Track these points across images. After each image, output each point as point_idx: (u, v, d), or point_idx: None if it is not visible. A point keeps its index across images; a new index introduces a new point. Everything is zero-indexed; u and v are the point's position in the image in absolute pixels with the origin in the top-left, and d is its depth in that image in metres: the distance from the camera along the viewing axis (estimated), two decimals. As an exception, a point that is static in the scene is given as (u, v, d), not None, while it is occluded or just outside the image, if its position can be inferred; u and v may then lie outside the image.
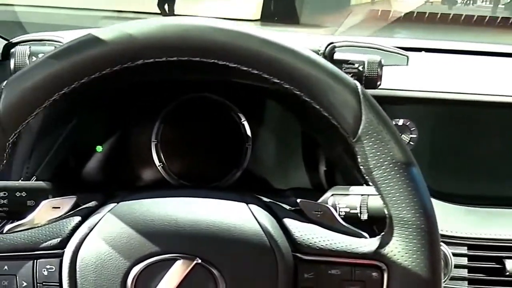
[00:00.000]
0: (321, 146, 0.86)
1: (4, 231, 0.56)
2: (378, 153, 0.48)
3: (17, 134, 0.49)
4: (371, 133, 0.48)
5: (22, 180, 0.75)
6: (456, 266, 0.76)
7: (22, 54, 0.72)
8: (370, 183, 0.49)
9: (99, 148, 0.87)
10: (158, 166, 0.85)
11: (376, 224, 0.65)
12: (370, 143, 0.48)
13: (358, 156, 0.49)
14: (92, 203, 0.58)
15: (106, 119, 0.87)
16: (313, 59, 0.49)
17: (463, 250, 0.78)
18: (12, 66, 0.73)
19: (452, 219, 0.81)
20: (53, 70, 0.47)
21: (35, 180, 0.76)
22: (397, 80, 0.86)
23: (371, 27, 1.91)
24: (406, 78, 0.88)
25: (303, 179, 0.92)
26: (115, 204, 0.54)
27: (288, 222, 0.54)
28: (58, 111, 0.75)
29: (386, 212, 0.49)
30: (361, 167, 0.49)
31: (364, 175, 0.49)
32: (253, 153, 0.87)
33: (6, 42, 0.90)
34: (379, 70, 0.74)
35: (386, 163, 0.48)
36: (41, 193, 0.67)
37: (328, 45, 0.74)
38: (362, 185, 0.72)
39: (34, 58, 0.72)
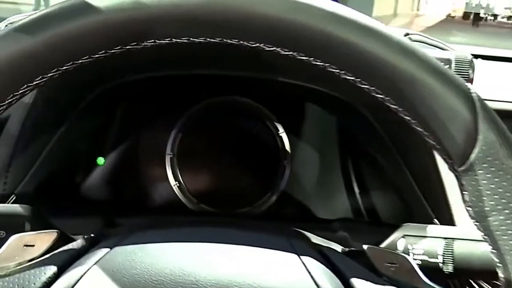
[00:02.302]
0: (379, 168, 0.68)
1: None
2: (500, 190, 0.32)
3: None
4: (490, 161, 0.32)
5: (-5, 200, 0.59)
6: None
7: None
8: (481, 231, 0.33)
9: (100, 161, 0.70)
10: (174, 185, 0.69)
11: (461, 278, 0.54)
12: (488, 175, 0.32)
13: (466, 192, 0.32)
14: (76, 243, 0.42)
15: (108, 124, 0.71)
16: (407, 46, 0.32)
17: None
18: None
19: None
20: (20, 49, 0.30)
21: (14, 200, 0.60)
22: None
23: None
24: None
25: (345, 205, 0.76)
26: (107, 250, 0.37)
27: (359, 285, 0.37)
28: (45, 111, 0.57)
29: (503, 276, 0.33)
30: (468, 208, 0.33)
31: (473, 219, 0.33)
32: (292, 173, 0.71)
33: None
34: (470, 71, 0.56)
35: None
36: (16, 220, 0.51)
37: (405, 35, 0.56)
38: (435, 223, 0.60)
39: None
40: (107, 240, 0.41)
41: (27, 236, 0.44)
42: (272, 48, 0.31)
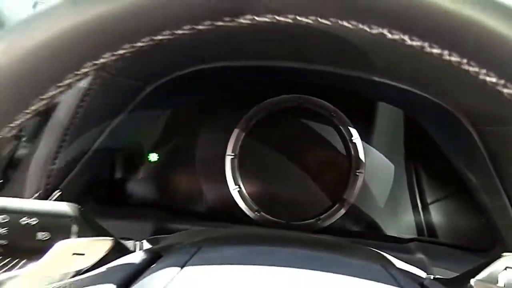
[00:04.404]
0: (466, 188, 0.61)
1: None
2: None
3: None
4: None
5: (39, 196, 0.52)
6: None
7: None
8: None
9: (153, 157, 0.64)
10: (233, 190, 0.62)
11: None
12: None
13: None
14: (135, 256, 0.36)
15: (163, 119, 0.64)
16: None
17: None
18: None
19: None
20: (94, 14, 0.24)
21: (60, 196, 0.54)
22: None
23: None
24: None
25: (411, 223, 0.69)
26: (177, 270, 0.30)
27: None
28: (102, 99, 0.51)
29: None
30: None
31: None
32: (363, 184, 0.64)
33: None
34: None
35: None
36: (62, 221, 0.45)
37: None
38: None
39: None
40: (172, 256, 0.34)
41: (77, 243, 0.38)
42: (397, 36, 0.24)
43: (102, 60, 0.24)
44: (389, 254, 0.44)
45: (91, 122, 0.52)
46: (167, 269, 0.31)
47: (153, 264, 0.35)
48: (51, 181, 0.54)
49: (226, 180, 0.63)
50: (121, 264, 0.35)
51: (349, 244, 0.48)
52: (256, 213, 0.62)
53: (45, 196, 0.54)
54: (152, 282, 0.30)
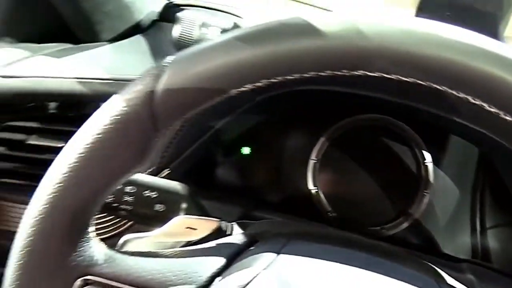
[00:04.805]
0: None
1: (122, 243, 0.44)
2: None
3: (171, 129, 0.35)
4: None
5: (152, 171, 0.62)
6: None
7: (191, 22, 0.59)
8: None
9: (245, 150, 0.73)
10: (312, 189, 0.70)
11: None
12: None
13: None
14: (236, 238, 0.44)
15: (262, 121, 0.73)
16: None
17: None
18: (176, 33, 0.60)
19: None
20: (241, 58, 0.32)
21: (169, 174, 0.63)
22: None
23: None
24: None
25: (467, 244, 0.73)
26: (273, 256, 0.39)
27: None
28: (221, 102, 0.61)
29: None
30: None
31: None
32: (428, 203, 0.70)
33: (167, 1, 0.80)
34: None
35: None
36: (174, 197, 0.54)
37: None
38: None
39: (205, 30, 0.58)
40: (268, 243, 0.42)
41: (192, 220, 0.47)
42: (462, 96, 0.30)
43: (258, 84, 0.33)
44: (441, 270, 0.51)
45: (207, 117, 0.62)
46: (265, 253, 0.39)
47: (250, 247, 0.43)
48: (163, 160, 0.64)
49: (306, 181, 0.71)
50: (226, 242, 0.44)
51: (408, 254, 0.55)
52: (328, 213, 0.70)
53: (156, 173, 0.64)
54: (253, 263, 0.38)
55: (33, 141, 0.68)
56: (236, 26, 0.62)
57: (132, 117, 0.33)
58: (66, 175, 0.34)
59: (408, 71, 0.30)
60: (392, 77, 0.31)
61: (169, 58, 0.34)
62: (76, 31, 0.79)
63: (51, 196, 0.35)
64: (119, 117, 0.33)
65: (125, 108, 0.33)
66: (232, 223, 0.52)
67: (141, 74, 0.35)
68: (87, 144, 0.34)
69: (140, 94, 0.33)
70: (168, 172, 0.64)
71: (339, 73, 0.31)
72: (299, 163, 0.71)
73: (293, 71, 0.32)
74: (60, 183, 0.35)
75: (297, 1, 1.33)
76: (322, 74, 0.31)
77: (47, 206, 0.35)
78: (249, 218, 0.60)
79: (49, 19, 0.79)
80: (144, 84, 0.33)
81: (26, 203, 0.70)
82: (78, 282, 0.37)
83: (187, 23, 0.59)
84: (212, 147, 0.70)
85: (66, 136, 0.66)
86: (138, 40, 0.80)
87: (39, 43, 0.80)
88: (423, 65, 0.30)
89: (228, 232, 0.50)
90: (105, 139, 0.34)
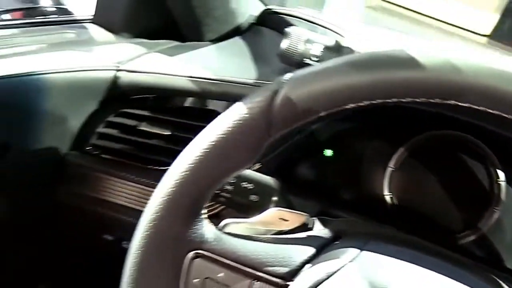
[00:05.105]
0: None
1: (223, 225, 0.51)
2: None
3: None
4: None
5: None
6: None
7: (297, 38, 0.66)
8: None
9: (328, 152, 0.79)
10: (387, 195, 0.75)
11: None
12: None
13: None
14: (322, 231, 0.51)
15: (347, 126, 0.79)
16: None
17: None
18: (284, 46, 0.67)
19: None
20: (350, 81, 0.38)
21: (260, 168, 0.71)
22: None
23: None
24: None
25: None
26: (357, 252, 0.45)
27: None
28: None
29: None
30: None
31: None
32: (497, 219, 0.73)
33: (264, 7, 0.87)
34: None
35: None
36: (267, 190, 0.62)
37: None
38: None
39: (309, 46, 0.65)
40: (351, 240, 0.48)
41: (284, 212, 0.54)
42: None
43: (360, 104, 0.39)
44: (504, 284, 0.55)
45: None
46: (350, 249, 0.46)
47: (335, 241, 0.49)
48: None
49: (382, 187, 0.76)
50: (315, 235, 0.50)
51: (474, 265, 0.59)
52: (398, 219, 0.75)
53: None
54: (340, 255, 0.44)
55: (143, 127, 0.77)
56: (338, 44, 0.69)
57: (252, 124, 0.40)
58: (192, 165, 0.42)
59: (494, 105, 0.36)
60: (480, 109, 0.36)
61: (287, 76, 0.41)
62: (184, 30, 0.88)
63: (178, 181, 0.43)
64: (241, 121, 0.41)
65: (247, 115, 0.40)
66: (314, 218, 0.59)
67: (259, 83, 0.41)
68: (211, 142, 0.41)
69: (260, 104, 0.40)
70: (260, 166, 0.71)
71: (432, 100, 0.37)
72: (377, 170, 0.77)
73: (394, 96, 0.38)
74: (186, 171, 0.42)
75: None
76: (418, 100, 0.37)
77: (174, 189, 0.43)
78: (325, 214, 0.67)
79: (162, 18, 0.88)
80: (265, 96, 0.40)
81: (130, 180, 0.80)
82: (191, 254, 0.45)
83: (294, 38, 0.66)
84: (299, 147, 0.77)
85: (172, 126, 0.75)
86: (238, 43, 0.88)
87: (149, 38, 0.90)
88: (509, 101, 0.35)
89: (310, 226, 0.55)
90: (227, 139, 0.41)
